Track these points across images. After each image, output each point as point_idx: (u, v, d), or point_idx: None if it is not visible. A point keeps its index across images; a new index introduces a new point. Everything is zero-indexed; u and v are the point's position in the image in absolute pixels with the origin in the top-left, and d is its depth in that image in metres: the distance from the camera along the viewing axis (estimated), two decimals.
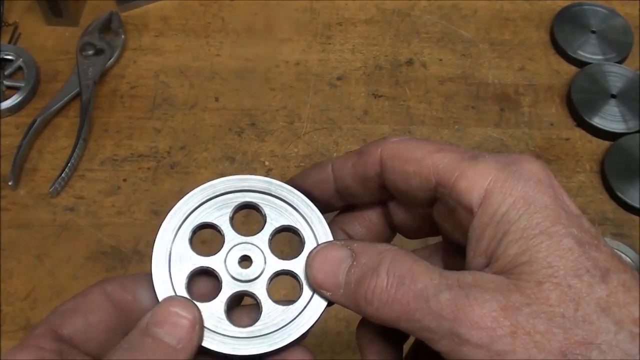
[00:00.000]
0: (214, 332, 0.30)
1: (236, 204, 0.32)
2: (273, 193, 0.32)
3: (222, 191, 0.32)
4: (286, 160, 0.65)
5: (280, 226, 0.32)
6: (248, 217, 0.34)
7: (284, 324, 0.30)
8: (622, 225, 0.62)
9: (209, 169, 0.64)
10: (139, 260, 0.59)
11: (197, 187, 0.32)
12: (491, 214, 0.27)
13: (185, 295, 0.31)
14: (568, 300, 0.24)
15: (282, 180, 0.33)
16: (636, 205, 0.62)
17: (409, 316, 0.26)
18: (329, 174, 0.33)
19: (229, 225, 0.32)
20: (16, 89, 0.68)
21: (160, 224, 0.32)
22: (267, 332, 0.30)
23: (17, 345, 0.29)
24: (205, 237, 0.33)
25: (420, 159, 0.29)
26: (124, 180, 0.63)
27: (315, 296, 0.31)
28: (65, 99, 0.67)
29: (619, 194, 0.62)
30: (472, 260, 0.28)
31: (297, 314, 0.31)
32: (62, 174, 0.62)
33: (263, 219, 0.32)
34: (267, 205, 0.32)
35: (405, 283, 0.27)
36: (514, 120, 0.68)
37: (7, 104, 0.67)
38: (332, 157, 0.33)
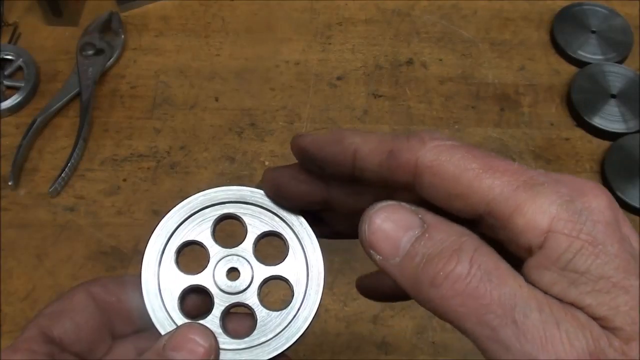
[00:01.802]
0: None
1: (215, 217, 0.32)
2: (249, 200, 0.33)
3: (200, 206, 0.33)
4: (286, 160, 0.65)
5: (262, 233, 0.32)
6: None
7: (280, 330, 0.31)
8: None
9: (209, 169, 0.64)
10: (139, 260, 0.58)
11: (174, 207, 0.32)
12: (554, 259, 0.23)
13: (180, 315, 0.31)
14: None
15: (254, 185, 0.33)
16: (636, 205, 0.62)
17: (483, 319, 0.23)
18: (348, 155, 0.28)
19: (211, 239, 0.32)
20: (16, 89, 0.68)
21: (144, 250, 0.32)
22: (265, 340, 0.31)
23: (9, 347, 0.29)
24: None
25: (467, 182, 0.24)
26: (124, 180, 0.63)
27: (308, 296, 0.31)
28: (65, 99, 0.67)
29: (619, 194, 0.62)
30: None
31: (292, 318, 0.31)
32: (62, 174, 0.62)
33: (244, 228, 0.33)
34: (246, 213, 0.33)
35: (493, 281, 0.23)
36: (514, 120, 0.68)
37: (7, 104, 0.67)
38: (352, 134, 0.28)
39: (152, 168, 0.64)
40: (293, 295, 0.31)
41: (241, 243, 0.32)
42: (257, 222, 0.32)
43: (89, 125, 0.66)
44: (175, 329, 0.30)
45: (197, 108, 0.68)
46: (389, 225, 0.25)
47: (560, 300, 0.23)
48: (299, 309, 0.31)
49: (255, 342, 0.30)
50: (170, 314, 0.31)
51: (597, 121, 0.67)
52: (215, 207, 0.33)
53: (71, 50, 0.70)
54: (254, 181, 0.63)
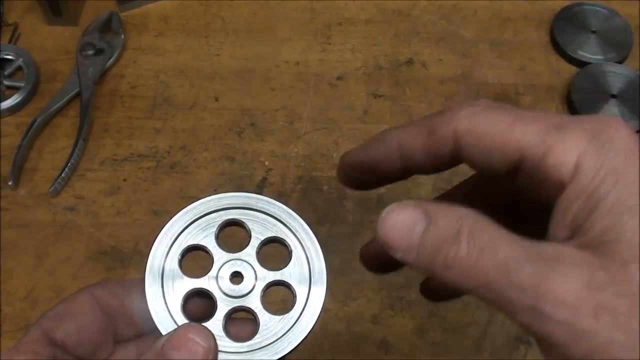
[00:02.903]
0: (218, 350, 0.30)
1: (220, 222, 0.33)
2: (253, 207, 0.33)
3: (205, 212, 0.33)
4: (286, 160, 0.65)
5: (266, 238, 0.33)
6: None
7: (282, 333, 0.31)
8: None
9: (209, 168, 0.64)
10: (139, 260, 0.59)
11: (179, 211, 0.33)
12: (581, 189, 0.26)
13: (183, 318, 0.31)
14: None
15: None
16: None
17: (490, 286, 0.25)
18: (394, 149, 0.31)
19: (215, 244, 0.33)
20: (16, 88, 0.68)
21: (148, 253, 0.32)
22: (267, 344, 0.31)
23: (12, 348, 0.29)
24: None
25: (501, 134, 0.27)
26: (124, 180, 0.63)
27: (311, 301, 0.31)
28: (65, 99, 0.67)
29: None
30: (555, 233, 0.27)
31: (294, 322, 0.31)
32: (62, 174, 0.62)
33: (248, 234, 0.33)
34: (250, 219, 0.33)
35: (486, 253, 0.26)
36: None
37: (7, 104, 0.67)
38: (393, 130, 0.31)
39: (152, 168, 0.64)
40: (295, 300, 0.31)
41: (245, 248, 0.32)
42: (260, 228, 0.33)
43: (89, 125, 0.66)
44: (175, 329, 0.30)
45: (197, 108, 0.68)
46: (399, 225, 0.28)
47: (581, 226, 0.26)
48: (301, 313, 0.31)
49: (257, 346, 0.31)
50: (174, 317, 0.31)
51: None
52: (220, 212, 0.33)
53: (71, 50, 0.70)
54: (254, 181, 0.63)
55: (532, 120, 0.27)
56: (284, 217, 0.33)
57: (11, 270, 0.58)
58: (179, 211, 0.33)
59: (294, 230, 0.32)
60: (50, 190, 0.62)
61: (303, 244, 0.32)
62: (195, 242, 0.33)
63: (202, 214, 0.33)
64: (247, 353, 0.31)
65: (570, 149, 0.26)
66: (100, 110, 0.68)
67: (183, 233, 0.33)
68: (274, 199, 0.33)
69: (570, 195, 0.26)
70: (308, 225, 0.33)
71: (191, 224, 0.33)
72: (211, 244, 0.33)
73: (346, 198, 0.63)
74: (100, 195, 0.63)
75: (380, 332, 0.56)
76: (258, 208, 0.33)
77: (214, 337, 0.30)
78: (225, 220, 0.33)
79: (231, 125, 0.67)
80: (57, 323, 0.31)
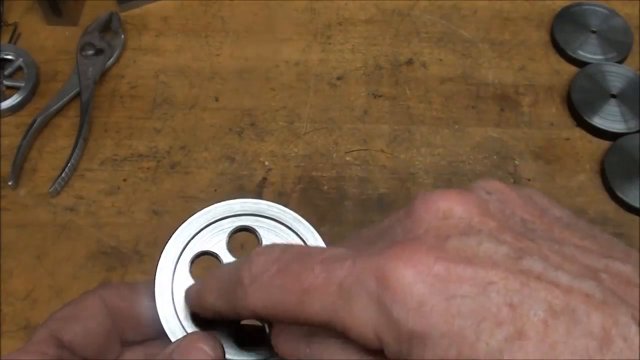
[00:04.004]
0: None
1: (231, 228, 0.33)
2: (265, 214, 0.33)
3: (217, 217, 0.33)
4: (286, 160, 0.65)
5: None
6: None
7: None
8: (622, 225, 0.62)
9: (209, 169, 0.64)
10: (139, 260, 0.59)
11: (191, 215, 0.33)
12: (395, 356, 0.23)
13: (192, 325, 0.32)
14: None
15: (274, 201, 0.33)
16: (636, 205, 0.62)
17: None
18: (215, 313, 0.30)
19: (226, 250, 0.33)
20: (16, 88, 0.68)
21: (159, 257, 0.32)
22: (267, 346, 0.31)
23: (20, 349, 0.29)
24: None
25: (295, 311, 0.25)
26: (124, 180, 0.63)
27: None
28: (65, 99, 0.67)
29: (619, 194, 0.62)
30: None
31: None
32: (62, 174, 0.62)
33: (259, 241, 0.33)
34: (262, 227, 0.33)
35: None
36: (514, 120, 0.68)
37: (7, 103, 0.67)
38: (206, 294, 0.30)
39: (152, 168, 0.64)
40: None
41: None
42: (271, 236, 0.33)
43: (89, 125, 0.66)
44: (184, 336, 0.30)
45: (197, 108, 0.68)
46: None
47: None
48: None
49: (264, 356, 0.31)
50: (182, 323, 0.32)
51: (597, 121, 0.67)
52: (232, 218, 0.33)
53: (71, 50, 0.70)
54: (254, 181, 0.63)
55: (315, 289, 0.24)
56: (294, 225, 0.33)
57: (11, 270, 0.58)
58: (191, 215, 0.33)
59: (303, 238, 0.33)
60: (50, 190, 0.62)
61: None
62: (206, 248, 0.33)
63: (214, 219, 0.33)
64: (247, 353, 0.31)
65: (364, 325, 0.23)
66: (100, 110, 0.68)
67: (194, 239, 0.33)
68: (275, 199, 0.33)
69: (389, 357, 0.23)
70: (319, 233, 0.32)
71: (202, 230, 0.33)
72: (222, 251, 0.33)
73: (346, 198, 0.63)
74: (100, 195, 0.63)
75: None
76: (269, 215, 0.33)
77: (222, 347, 0.30)
78: (237, 227, 0.33)
79: (231, 125, 0.67)
80: (64, 324, 0.31)
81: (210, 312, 0.30)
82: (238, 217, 0.33)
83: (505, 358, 0.20)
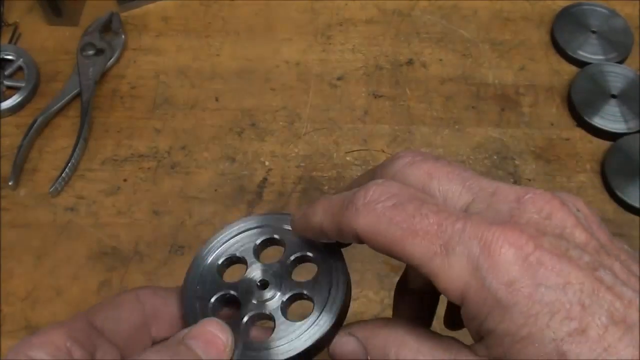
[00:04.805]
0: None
1: (261, 239, 0.35)
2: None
3: (250, 226, 0.36)
4: (286, 160, 0.65)
5: (299, 257, 0.35)
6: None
7: (292, 338, 0.32)
8: (622, 225, 0.62)
9: (209, 169, 0.64)
10: (139, 260, 0.59)
11: (229, 223, 0.36)
12: (472, 317, 0.27)
13: (212, 317, 0.33)
14: None
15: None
16: (636, 205, 0.62)
17: None
18: (322, 234, 0.32)
19: (253, 257, 0.35)
20: (16, 89, 0.68)
21: (192, 260, 0.35)
22: (276, 346, 0.32)
23: (56, 323, 0.30)
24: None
25: (396, 249, 0.28)
26: (125, 180, 0.64)
27: (323, 314, 0.32)
28: (66, 99, 0.67)
29: (619, 194, 0.62)
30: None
31: (305, 329, 0.32)
32: (63, 174, 0.62)
33: (284, 251, 0.35)
34: (288, 239, 0.35)
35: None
36: (514, 120, 0.68)
37: (7, 104, 0.67)
38: (313, 213, 0.32)
39: (153, 168, 0.64)
40: (312, 311, 0.33)
41: (277, 262, 0.34)
42: (296, 248, 0.35)
43: (89, 125, 0.66)
44: (197, 323, 0.32)
45: (198, 108, 0.68)
46: (346, 355, 0.32)
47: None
48: (313, 324, 0.32)
49: (272, 345, 0.32)
50: (204, 314, 0.34)
51: (597, 121, 0.67)
52: (263, 229, 0.36)
53: (71, 51, 0.71)
54: (254, 181, 0.64)
55: (422, 236, 0.27)
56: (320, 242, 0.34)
57: (11, 270, 0.59)
58: (229, 223, 0.36)
59: (328, 254, 0.34)
60: (51, 190, 0.62)
61: (333, 266, 0.33)
62: (235, 253, 0.35)
63: (246, 228, 0.36)
64: (263, 352, 0.32)
65: (455, 280, 0.26)
66: (101, 110, 0.68)
67: (227, 243, 0.35)
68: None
69: (465, 316, 0.27)
70: (344, 261, 0.34)
71: (233, 237, 0.36)
72: (250, 257, 0.35)
73: None
74: (100, 195, 0.63)
75: None
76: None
77: (232, 334, 0.31)
78: (266, 238, 0.35)
79: (231, 125, 0.67)
80: (98, 309, 0.33)
81: (313, 231, 0.32)
82: (268, 228, 0.36)
83: (564, 348, 0.24)
